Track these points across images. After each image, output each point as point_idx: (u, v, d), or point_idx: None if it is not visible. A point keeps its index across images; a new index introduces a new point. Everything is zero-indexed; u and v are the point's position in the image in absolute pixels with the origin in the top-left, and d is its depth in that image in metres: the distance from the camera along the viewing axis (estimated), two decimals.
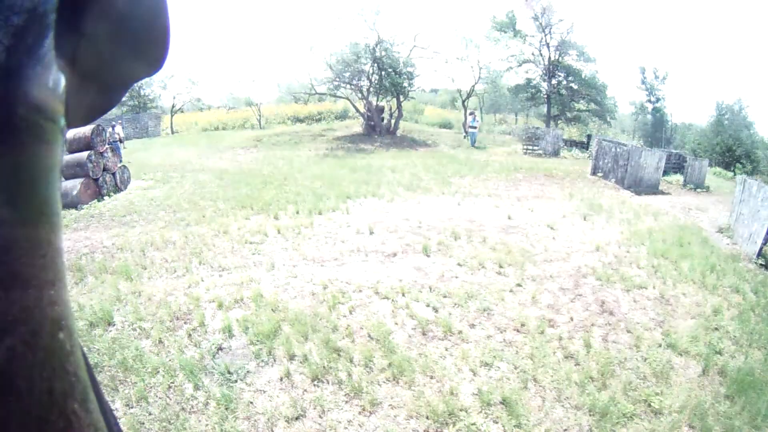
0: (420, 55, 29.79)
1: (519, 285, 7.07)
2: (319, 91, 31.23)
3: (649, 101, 44.44)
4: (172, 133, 40.84)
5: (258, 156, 21.09)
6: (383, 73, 27.66)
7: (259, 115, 39.79)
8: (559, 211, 11.74)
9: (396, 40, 28.54)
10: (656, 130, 43.93)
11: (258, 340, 5.52)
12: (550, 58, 37.06)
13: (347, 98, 30.67)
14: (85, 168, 13.03)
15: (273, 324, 5.75)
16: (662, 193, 16.89)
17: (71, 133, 13.43)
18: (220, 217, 10.58)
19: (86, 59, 0.35)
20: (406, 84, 28.65)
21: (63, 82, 0.31)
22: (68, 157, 13.44)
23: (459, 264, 7.72)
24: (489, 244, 8.71)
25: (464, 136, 25.45)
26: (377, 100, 28.91)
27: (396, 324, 5.89)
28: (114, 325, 6.11)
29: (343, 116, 40.78)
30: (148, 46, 0.42)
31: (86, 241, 9.57)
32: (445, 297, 6.56)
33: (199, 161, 20.02)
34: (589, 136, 28.85)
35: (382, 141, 25.37)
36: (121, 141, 33.05)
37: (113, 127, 18.41)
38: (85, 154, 13.16)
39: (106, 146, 13.89)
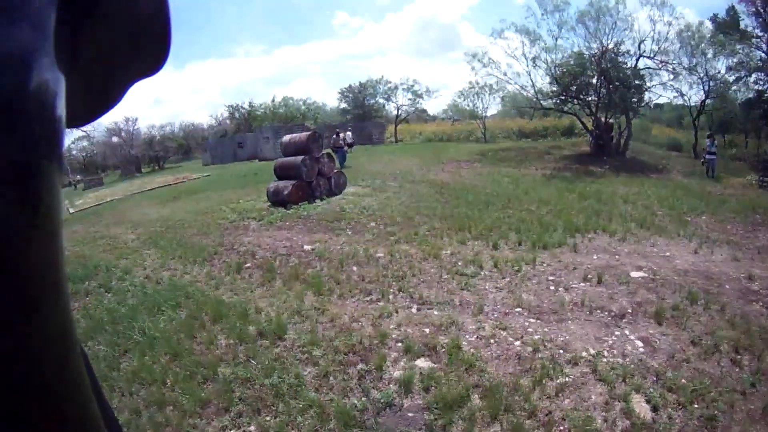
0: (646, 65, 25.26)
1: (754, 385, 4.64)
2: (545, 105, 28.88)
3: None
4: (396, 141, 42.12)
5: (482, 171, 19.87)
6: (611, 86, 24.46)
7: (484, 129, 38.88)
8: None
9: (621, 49, 25.06)
10: None
11: (437, 407, 4.25)
12: None
13: (574, 114, 27.87)
14: (299, 171, 13.27)
15: (462, 389, 4.42)
16: None
17: (288, 138, 14.11)
18: (433, 237, 9.56)
19: (87, 59, 0.36)
20: (635, 99, 25.15)
21: (63, 82, 0.31)
22: (285, 160, 13.80)
23: (693, 342, 5.47)
24: (726, 314, 6.26)
25: (702, 162, 20.74)
26: (606, 117, 25.70)
27: (606, 422, 4.10)
28: (284, 341, 5.53)
29: (569, 132, 38.03)
30: (148, 46, 0.42)
31: (286, 242, 9.38)
32: (670, 390, 4.50)
33: (420, 172, 19.52)
34: None
35: (611, 163, 22.32)
36: (349, 146, 34.45)
37: (337, 134, 18.96)
38: (300, 158, 13.41)
39: (323, 152, 14.11)
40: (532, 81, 27.57)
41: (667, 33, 24.54)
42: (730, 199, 15.34)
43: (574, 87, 25.45)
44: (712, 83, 26.82)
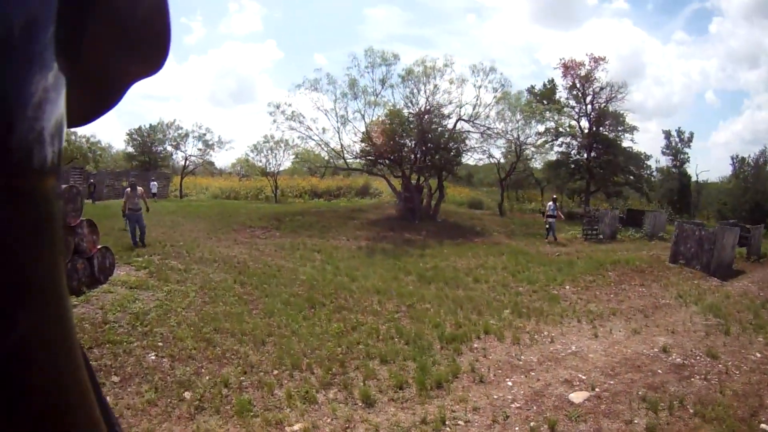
0: (462, 127, 25.55)
1: None
2: (350, 165, 27.33)
3: (675, 166, 41.70)
4: (181, 197, 37.29)
5: (283, 242, 16.73)
6: (427, 147, 23.90)
7: (275, 187, 36.07)
8: (684, 326, 9.41)
9: (443, 111, 25.00)
10: (683, 195, 40.58)
11: None
12: (590, 129, 34.27)
13: (382, 175, 26.48)
14: None
15: None
16: (741, 272, 15.77)
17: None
18: (254, 388, 6.19)
19: (86, 60, 0.35)
20: (454, 161, 25.06)
21: (63, 82, 0.31)
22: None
23: None
24: (689, 408, 5.98)
25: (547, 228, 20.51)
26: (418, 179, 24.82)
27: None
28: None
29: (363, 193, 37.15)
30: (148, 46, 0.42)
31: None
32: None
33: (210, 243, 15.79)
34: (632, 211, 27.47)
35: (426, 228, 21.18)
36: (153, 195, 29.33)
37: (133, 186, 13.99)
38: None
39: (81, 218, 9.71)
40: (339, 138, 25.80)
41: (493, 100, 25.02)
42: (574, 260, 15.02)
43: (386, 147, 24.10)
44: (523, 147, 28.16)
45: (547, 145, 31.75)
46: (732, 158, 43.91)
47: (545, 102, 30.82)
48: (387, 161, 25.19)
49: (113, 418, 0.45)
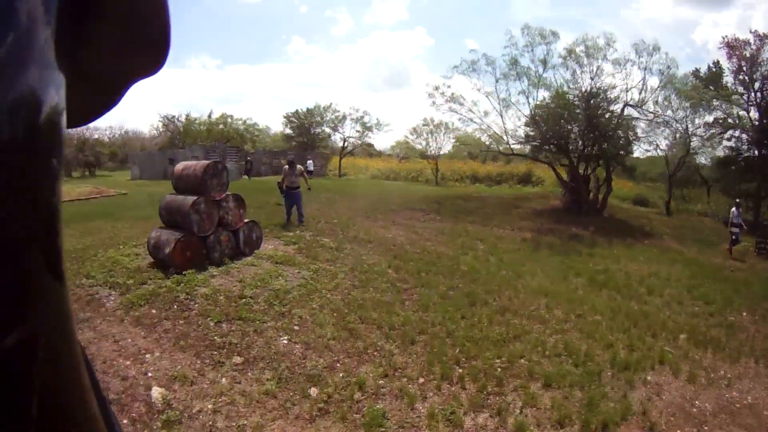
0: (629, 114, 21.90)
1: None
2: (516, 150, 24.77)
3: None
4: (340, 176, 37.78)
5: (443, 227, 15.44)
6: (595, 134, 20.82)
7: (436, 171, 34.93)
8: None
9: (609, 95, 21.56)
10: None
11: None
12: (760, 121, 27.28)
13: (548, 163, 23.69)
14: (187, 219, 8.44)
15: None
16: None
17: (181, 167, 9.36)
18: (393, 398, 5.00)
19: (87, 59, 0.36)
20: (623, 151, 21.77)
21: (63, 82, 0.31)
22: (172, 200, 9.03)
23: None
24: None
25: (732, 240, 16.51)
26: (585, 169, 21.94)
27: None
28: None
29: (525, 180, 34.67)
30: (148, 46, 0.42)
31: (125, 370, 4.89)
32: None
33: (366, 223, 14.92)
34: None
35: (593, 223, 18.60)
36: (309, 173, 30.21)
37: (291, 163, 13.41)
38: (190, 199, 8.58)
39: (226, 192, 9.26)
40: (503, 121, 23.71)
41: (659, 84, 21.48)
42: (750, 280, 12.11)
43: (552, 133, 21.41)
44: (693, 139, 24.47)
45: (715, 138, 26.30)
46: None
47: (711, 87, 25.36)
48: (552, 148, 22.49)
49: (113, 418, 0.45)
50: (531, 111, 22.27)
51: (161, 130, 50.81)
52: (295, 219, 12.97)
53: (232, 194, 9.36)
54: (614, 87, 21.20)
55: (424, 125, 35.30)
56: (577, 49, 21.21)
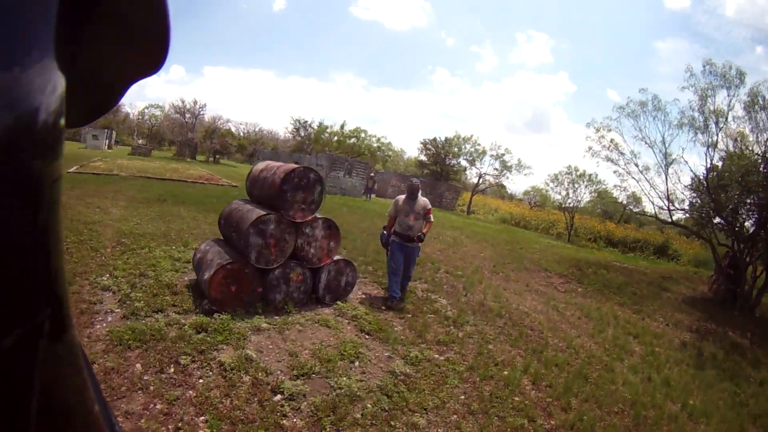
0: None
1: None
2: (674, 219, 19.41)
3: None
4: (468, 213, 34.23)
5: (588, 305, 11.37)
6: None
7: (571, 225, 30.31)
8: None
9: None
10: None
11: None
12: None
13: (708, 240, 17.55)
14: (245, 242, 5.60)
15: None
16: None
17: (261, 166, 6.80)
18: None
19: (86, 60, 0.35)
20: None
21: (63, 82, 0.30)
22: (237, 208, 6.31)
23: None
24: None
25: None
26: (743, 254, 15.88)
27: None
28: None
29: (659, 251, 28.70)
30: (147, 47, 0.41)
31: None
32: None
33: (496, 281, 11.42)
34: None
35: (749, 326, 13.37)
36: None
37: (413, 188, 9.83)
38: (255, 214, 5.70)
39: (315, 214, 6.28)
40: (666, 180, 18.31)
41: None
42: None
43: (727, 204, 15.68)
44: None
45: None
46: None
47: None
48: (720, 223, 16.73)
49: (113, 418, 0.44)
50: (704, 173, 16.80)
51: (293, 133, 50.54)
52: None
53: (324, 218, 6.35)
54: None
55: (567, 173, 31.02)
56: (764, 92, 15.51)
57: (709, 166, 16.76)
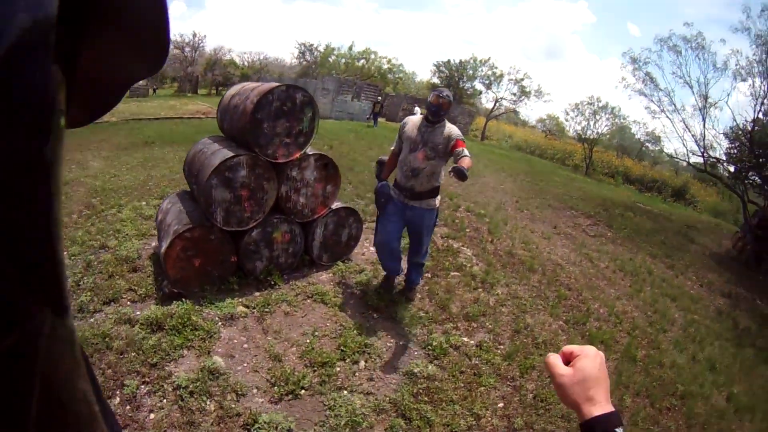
0: None
1: None
2: (709, 164, 17.33)
3: None
4: (482, 139, 32.41)
5: (622, 255, 10.12)
6: None
7: (589, 159, 28.57)
8: None
9: None
10: None
11: None
12: None
13: (741, 195, 15.48)
14: (207, 198, 4.13)
15: None
16: None
17: (234, 90, 5.14)
18: None
19: (86, 60, 0.35)
20: None
21: (63, 82, 0.31)
22: (201, 151, 4.85)
23: None
24: None
25: None
26: None
27: None
28: None
29: (677, 195, 27.09)
30: (147, 47, 0.41)
31: None
32: None
33: (522, 222, 10.07)
34: None
35: None
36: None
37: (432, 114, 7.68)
38: (219, 158, 4.17)
39: (305, 149, 4.63)
40: (703, 123, 16.18)
41: None
42: None
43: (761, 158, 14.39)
44: None
45: None
46: None
47: None
48: (757, 178, 15.33)
49: (112, 418, 0.44)
50: (751, 124, 14.91)
51: (298, 57, 47.75)
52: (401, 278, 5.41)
53: (317, 155, 4.77)
54: None
55: (588, 103, 28.98)
56: None
57: (755, 117, 14.99)
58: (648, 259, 10.79)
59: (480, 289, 5.69)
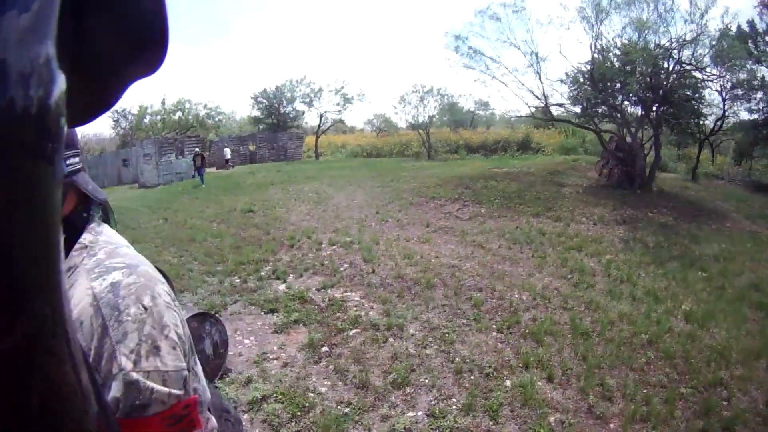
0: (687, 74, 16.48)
1: None
2: (556, 114, 19.11)
3: None
4: (317, 157, 31.58)
5: (503, 228, 9.85)
6: (661, 94, 15.37)
7: (428, 141, 29.08)
8: None
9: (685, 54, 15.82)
10: None
11: None
12: None
13: (594, 130, 17.73)
14: None
15: None
16: None
17: None
18: None
19: (86, 59, 0.35)
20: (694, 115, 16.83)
21: (64, 81, 0.30)
22: None
23: None
24: None
25: None
26: (634, 135, 16.40)
27: None
28: None
29: (523, 147, 28.96)
30: (147, 46, 0.41)
31: None
32: None
33: (394, 233, 9.36)
34: None
35: (655, 202, 13.58)
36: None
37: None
38: None
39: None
40: (540, 78, 17.34)
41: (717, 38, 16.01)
42: None
43: (609, 92, 16.10)
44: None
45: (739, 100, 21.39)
46: None
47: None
48: (604, 110, 17.22)
49: (113, 418, 0.42)
50: (590, 64, 16.55)
51: (114, 127, 43.25)
52: None
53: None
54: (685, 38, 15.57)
55: (413, 91, 29.58)
56: None
57: (592, 56, 16.51)
58: (532, 220, 10.71)
59: (391, 339, 4.73)
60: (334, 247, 8.18)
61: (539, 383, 4.01)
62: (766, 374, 4.64)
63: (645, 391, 4.05)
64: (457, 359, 4.27)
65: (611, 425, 3.64)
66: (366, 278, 6.55)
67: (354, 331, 4.95)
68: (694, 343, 4.99)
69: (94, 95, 0.39)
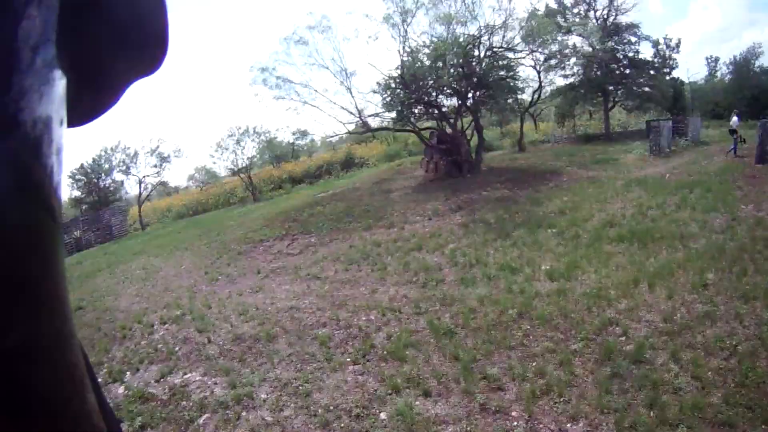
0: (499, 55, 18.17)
1: None
2: (372, 124, 19.53)
3: (665, 72, 35.28)
4: (143, 228, 29.31)
5: (344, 251, 9.75)
6: (476, 81, 16.80)
7: (251, 184, 28.52)
8: None
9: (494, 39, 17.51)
10: (677, 99, 36.54)
11: None
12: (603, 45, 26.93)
13: (413, 130, 18.76)
14: None
15: None
16: None
17: None
18: None
19: (87, 59, 0.35)
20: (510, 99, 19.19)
21: (64, 82, 0.31)
22: None
23: None
24: None
25: (732, 150, 15.76)
26: (455, 124, 17.66)
27: None
28: None
29: (347, 165, 29.82)
30: (147, 46, 0.41)
31: None
32: None
33: (226, 290, 8.84)
34: (648, 122, 24.60)
35: (488, 180, 14.59)
36: None
37: None
38: None
39: None
40: (352, 95, 17.88)
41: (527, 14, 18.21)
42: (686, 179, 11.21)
43: (418, 92, 16.86)
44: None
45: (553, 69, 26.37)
46: (707, 59, 44.40)
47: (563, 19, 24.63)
48: (420, 109, 18.11)
49: (113, 418, 0.44)
50: (400, 68, 17.17)
51: None
52: None
53: None
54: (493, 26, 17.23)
55: (229, 136, 28.83)
56: None
57: (401, 61, 17.10)
58: (365, 234, 10.76)
59: (243, 413, 4.28)
60: (166, 325, 7.40)
61: (417, 403, 3.92)
62: (651, 295, 5.08)
63: (534, 364, 4.15)
64: (320, 411, 3.99)
65: (514, 413, 3.64)
66: (203, 351, 5.97)
67: (204, 417, 4.44)
68: (566, 297, 5.28)
69: (96, 95, 0.39)
